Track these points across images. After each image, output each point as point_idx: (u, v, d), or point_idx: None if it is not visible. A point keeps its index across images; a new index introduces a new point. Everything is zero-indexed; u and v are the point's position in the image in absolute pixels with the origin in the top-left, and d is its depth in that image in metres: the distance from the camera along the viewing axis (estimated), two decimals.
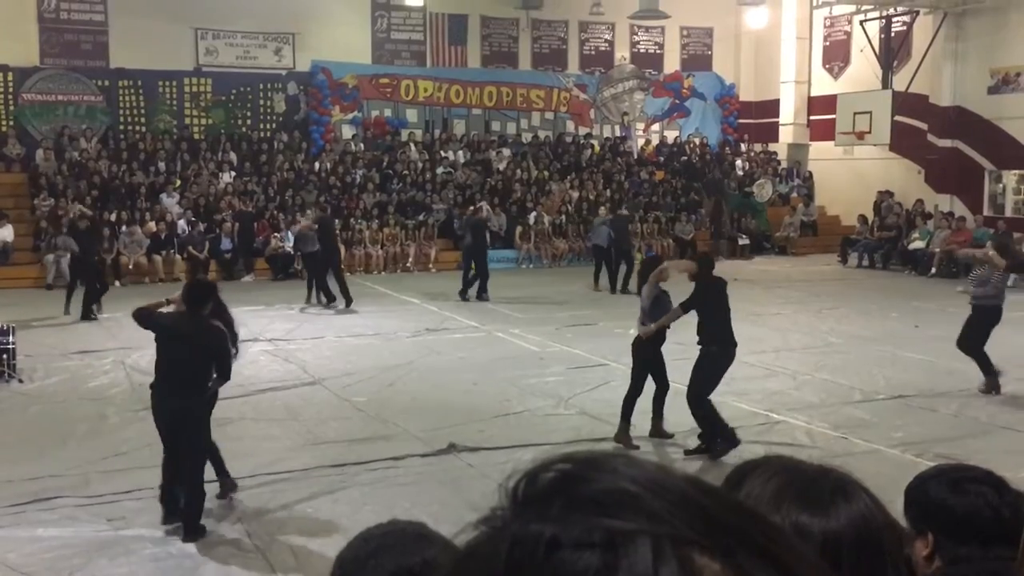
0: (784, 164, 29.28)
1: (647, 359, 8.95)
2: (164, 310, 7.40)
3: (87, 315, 15.73)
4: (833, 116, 26.13)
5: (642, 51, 29.74)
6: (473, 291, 18.00)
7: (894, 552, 1.28)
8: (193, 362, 6.91)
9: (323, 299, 17.28)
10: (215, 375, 7.06)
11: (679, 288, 9.06)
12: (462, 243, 19.36)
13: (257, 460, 7.97)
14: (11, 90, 23.26)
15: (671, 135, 29.90)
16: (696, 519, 0.65)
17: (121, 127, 24.25)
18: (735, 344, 8.80)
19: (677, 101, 30.14)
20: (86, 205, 19.50)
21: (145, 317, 7.15)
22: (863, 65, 26.20)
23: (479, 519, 0.69)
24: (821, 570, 0.75)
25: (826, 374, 11.81)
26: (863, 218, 24.94)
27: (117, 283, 18.63)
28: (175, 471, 6.93)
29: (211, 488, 7.17)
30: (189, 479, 6.83)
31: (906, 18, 24.98)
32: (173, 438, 6.90)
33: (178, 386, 6.84)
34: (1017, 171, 23.63)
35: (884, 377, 11.61)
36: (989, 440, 9.01)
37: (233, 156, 24.33)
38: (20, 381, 11.37)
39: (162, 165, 23.46)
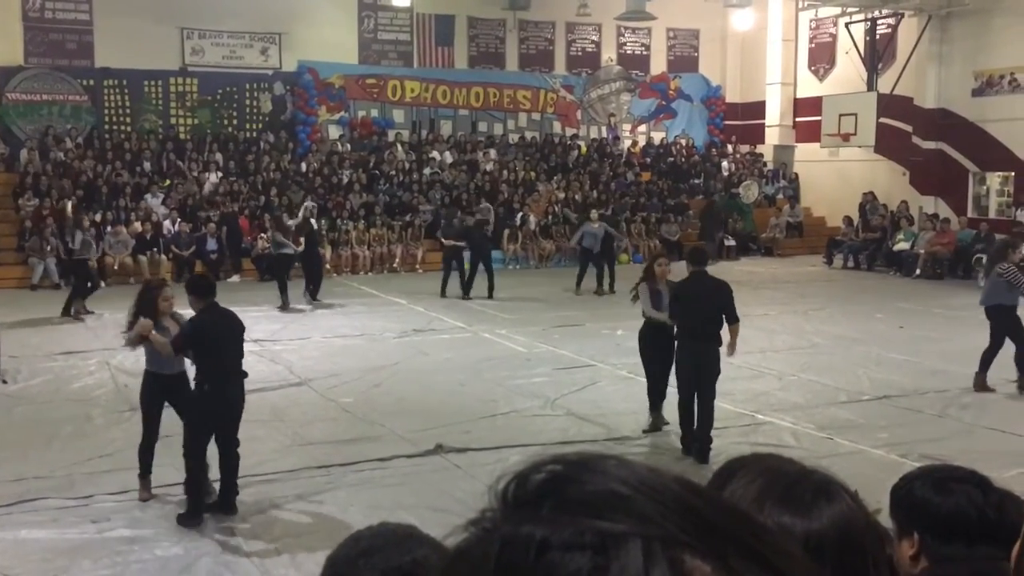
0: (770, 165, 29.35)
1: (649, 357, 9.32)
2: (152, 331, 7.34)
3: (68, 311, 15.97)
4: (819, 118, 26.21)
5: (629, 52, 29.77)
6: (455, 291, 18.12)
7: (876, 553, 1.29)
8: (238, 347, 7.24)
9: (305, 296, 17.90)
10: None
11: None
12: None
13: (243, 461, 7.92)
14: None
15: (658, 136, 29.94)
16: (687, 521, 0.65)
17: (106, 127, 24.14)
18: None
19: (664, 102, 30.18)
20: (72, 206, 19.43)
21: (182, 346, 7.18)
22: (848, 67, 26.29)
23: (469, 521, 0.69)
24: (811, 571, 0.75)
25: (811, 375, 11.84)
26: (848, 219, 25.02)
27: (103, 283, 18.52)
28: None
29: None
30: (233, 462, 7.29)
31: (891, 20, 25.08)
32: (232, 424, 7.22)
33: (236, 374, 7.18)
34: (1001, 173, 23.76)
35: (869, 378, 11.65)
36: (974, 440, 9.06)
37: (219, 156, 24.23)
38: (4, 382, 11.30)
39: (147, 165, 23.36)
